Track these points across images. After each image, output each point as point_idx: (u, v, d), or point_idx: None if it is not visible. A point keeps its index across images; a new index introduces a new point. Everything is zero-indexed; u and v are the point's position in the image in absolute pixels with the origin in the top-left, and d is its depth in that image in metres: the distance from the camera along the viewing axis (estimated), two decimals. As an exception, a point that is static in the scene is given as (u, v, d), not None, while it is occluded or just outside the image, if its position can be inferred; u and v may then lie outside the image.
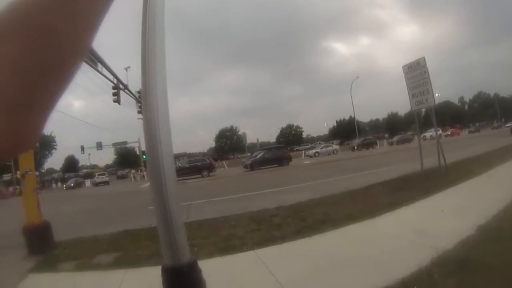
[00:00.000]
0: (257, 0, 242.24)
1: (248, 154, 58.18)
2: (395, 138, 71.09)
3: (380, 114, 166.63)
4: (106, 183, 62.68)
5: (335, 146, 63.54)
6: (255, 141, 60.23)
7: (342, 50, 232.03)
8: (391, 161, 25.30)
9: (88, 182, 65.95)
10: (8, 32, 0.43)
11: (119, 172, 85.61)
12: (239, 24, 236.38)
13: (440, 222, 7.37)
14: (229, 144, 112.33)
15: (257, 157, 42.44)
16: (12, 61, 0.42)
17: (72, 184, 62.96)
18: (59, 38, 0.46)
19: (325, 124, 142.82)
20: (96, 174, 74.20)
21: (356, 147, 63.06)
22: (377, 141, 69.26)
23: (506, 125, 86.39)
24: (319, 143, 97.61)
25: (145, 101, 0.87)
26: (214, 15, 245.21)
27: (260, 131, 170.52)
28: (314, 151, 60.52)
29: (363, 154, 46.28)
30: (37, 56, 0.44)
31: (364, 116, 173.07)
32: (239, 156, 65.02)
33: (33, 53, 0.44)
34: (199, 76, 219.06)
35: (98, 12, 0.53)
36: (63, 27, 0.46)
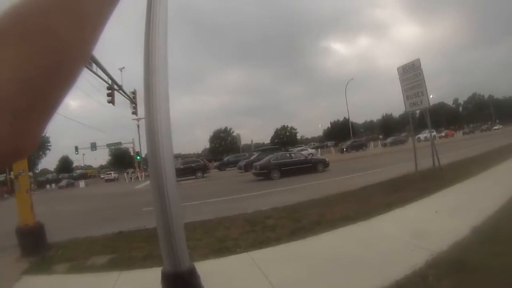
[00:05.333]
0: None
1: (224, 159, 59.12)
2: (389, 140, 71.09)
3: (375, 115, 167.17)
4: (114, 179, 72.42)
5: (311, 150, 62.55)
6: (249, 142, 60.43)
7: (341, 50, 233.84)
8: (384, 163, 25.32)
9: (82, 183, 66.31)
10: (11, 34, 0.42)
11: (130, 170, 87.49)
12: (241, 23, 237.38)
13: (435, 223, 7.38)
14: (223, 145, 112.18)
15: (252, 158, 42.47)
16: (14, 64, 0.41)
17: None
18: (63, 41, 0.45)
19: (320, 125, 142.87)
20: (105, 173, 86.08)
21: (345, 149, 62.78)
22: (368, 143, 69.28)
23: (494, 127, 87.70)
24: (313, 144, 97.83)
25: (147, 101, 0.87)
26: (216, 14, 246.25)
27: (255, 132, 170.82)
28: None
29: (355, 156, 46.26)
30: (40, 59, 0.43)
31: (359, 117, 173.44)
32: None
33: (36, 56, 0.43)
34: (198, 75, 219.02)
35: (102, 17, 0.53)
36: (67, 31, 0.46)
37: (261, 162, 28.47)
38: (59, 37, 0.45)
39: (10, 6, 0.44)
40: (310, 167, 27.19)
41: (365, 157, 38.95)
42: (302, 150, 62.57)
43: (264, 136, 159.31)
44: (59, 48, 0.45)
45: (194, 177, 37.34)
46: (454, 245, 5.75)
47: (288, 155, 30.62)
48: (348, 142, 67.13)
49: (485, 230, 6.29)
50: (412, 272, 4.95)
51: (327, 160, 29.19)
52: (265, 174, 26.17)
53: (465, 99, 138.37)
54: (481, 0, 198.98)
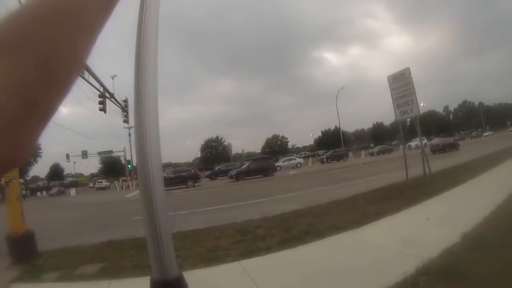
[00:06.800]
0: (250, 9, 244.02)
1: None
2: (376, 149, 70.12)
3: (366, 124, 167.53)
4: (105, 188, 72.10)
5: (299, 160, 62.66)
6: (240, 151, 60.45)
7: (332, 60, 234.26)
8: (374, 172, 25.42)
9: (73, 191, 65.79)
10: (5, 43, 0.43)
11: (122, 178, 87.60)
12: (232, 33, 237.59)
13: (425, 231, 7.39)
14: (214, 154, 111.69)
15: (243, 168, 42.43)
16: (8, 73, 0.41)
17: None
18: (57, 51, 0.46)
19: (311, 135, 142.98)
20: (96, 181, 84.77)
21: (325, 160, 62.06)
22: (349, 153, 68.64)
23: (484, 134, 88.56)
24: (304, 153, 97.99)
25: (137, 110, 0.87)
26: (207, 24, 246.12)
27: (247, 141, 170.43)
28: (276, 164, 57.58)
29: (340, 166, 46.03)
30: (34, 68, 0.43)
31: (350, 126, 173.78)
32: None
33: (30, 65, 0.43)
34: (190, 85, 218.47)
35: (97, 26, 0.54)
36: (62, 40, 0.46)
37: (437, 142, 45.94)
38: (53, 46, 0.45)
39: (5, 15, 0.44)
40: (454, 145, 45.45)
41: (354, 166, 38.93)
42: (290, 159, 62.30)
43: (255, 145, 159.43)
44: (54, 57, 0.45)
45: (185, 186, 37.14)
46: (445, 252, 5.77)
47: (444, 139, 49.68)
48: (329, 153, 66.40)
49: (475, 236, 6.32)
50: (403, 279, 4.96)
51: (458, 143, 48.21)
52: (440, 149, 42.85)
53: (456, 106, 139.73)
54: (472, 11, 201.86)
